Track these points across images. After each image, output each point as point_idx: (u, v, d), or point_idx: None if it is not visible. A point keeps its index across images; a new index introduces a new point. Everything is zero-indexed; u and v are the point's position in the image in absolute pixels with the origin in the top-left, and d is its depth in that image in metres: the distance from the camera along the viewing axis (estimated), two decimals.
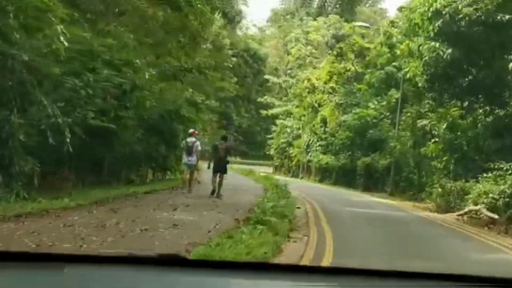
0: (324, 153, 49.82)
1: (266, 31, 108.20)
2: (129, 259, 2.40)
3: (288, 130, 60.07)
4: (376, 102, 41.30)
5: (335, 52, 52.92)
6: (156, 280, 2.20)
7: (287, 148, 61.42)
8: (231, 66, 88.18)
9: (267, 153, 71.67)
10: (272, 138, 67.38)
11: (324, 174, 49.22)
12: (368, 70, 44.83)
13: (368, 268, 2.35)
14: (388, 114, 39.22)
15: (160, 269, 2.28)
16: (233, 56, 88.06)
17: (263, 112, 69.14)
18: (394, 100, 37.22)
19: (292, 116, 61.61)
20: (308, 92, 57.09)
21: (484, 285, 2.30)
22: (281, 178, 37.35)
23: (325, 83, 52.57)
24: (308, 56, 64.23)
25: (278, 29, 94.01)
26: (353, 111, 41.68)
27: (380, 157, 37.12)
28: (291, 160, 61.05)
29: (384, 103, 40.07)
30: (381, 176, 36.45)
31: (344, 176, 43.43)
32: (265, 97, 67.16)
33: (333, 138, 46.85)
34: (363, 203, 24.91)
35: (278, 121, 63.38)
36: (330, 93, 50.34)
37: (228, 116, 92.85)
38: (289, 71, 70.80)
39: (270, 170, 71.37)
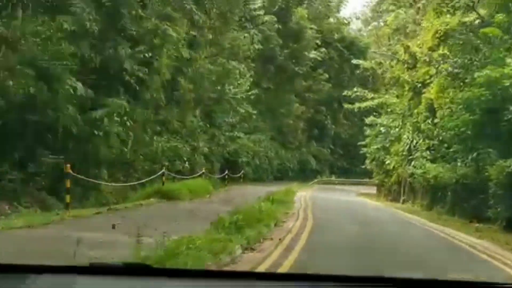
0: (433, 160, 29.93)
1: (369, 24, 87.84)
2: (92, 269, 2.44)
3: (383, 130, 40.37)
4: None
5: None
6: None
7: (383, 158, 41.66)
8: (320, 59, 69.77)
9: (368, 167, 52.37)
10: (365, 146, 47.96)
11: (435, 195, 29.31)
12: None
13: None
14: None
15: (124, 278, 2.36)
16: (322, 45, 69.66)
17: (348, 106, 50.18)
18: None
19: (389, 109, 41.84)
20: (408, 69, 37.27)
21: None
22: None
23: (431, 49, 32.66)
24: (410, 23, 44.11)
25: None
26: (477, 74, 21.70)
27: None
28: (390, 176, 41.23)
29: None
30: None
31: (467, 199, 23.61)
32: (355, 89, 47.70)
33: (445, 133, 26.79)
34: None
35: (368, 120, 43.96)
36: (439, 65, 30.20)
37: (321, 125, 73.94)
38: (385, 49, 50.99)
39: (373, 190, 52.54)
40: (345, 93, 48.88)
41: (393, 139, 39.08)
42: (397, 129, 38.07)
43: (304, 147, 70.40)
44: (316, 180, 65.36)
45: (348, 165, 77.56)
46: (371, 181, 57.22)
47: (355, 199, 40.64)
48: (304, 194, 36.56)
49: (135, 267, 2.49)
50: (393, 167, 38.78)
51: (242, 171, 45.07)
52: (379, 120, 41.74)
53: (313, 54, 67.99)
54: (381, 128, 39.85)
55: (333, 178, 70.58)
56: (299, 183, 58.41)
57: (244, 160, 45.75)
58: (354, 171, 77.91)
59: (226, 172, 39.31)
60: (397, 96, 40.98)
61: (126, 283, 2.32)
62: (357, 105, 45.51)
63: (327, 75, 70.98)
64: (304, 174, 68.94)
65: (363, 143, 49.23)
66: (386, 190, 46.45)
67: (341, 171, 75.03)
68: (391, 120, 39.57)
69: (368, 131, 47.01)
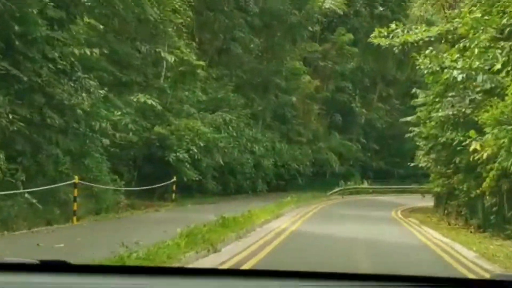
0: None
1: None
2: (8, 265, 2.40)
3: (458, 75, 18.21)
4: None
5: None
6: (39, 286, 2.26)
7: (457, 141, 19.78)
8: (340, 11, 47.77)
9: (421, 165, 30.69)
10: (416, 124, 26.62)
11: None
12: None
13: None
14: None
15: (42, 276, 2.33)
16: None
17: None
18: None
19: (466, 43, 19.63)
20: None
21: None
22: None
23: None
24: None
25: None
26: None
27: None
28: (475, 176, 19.22)
29: None
30: None
31: None
32: (393, 25, 25.79)
33: None
34: None
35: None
36: None
37: (346, 109, 51.82)
38: None
39: (426, 202, 35.21)
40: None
41: (487, 97, 17.27)
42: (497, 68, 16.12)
43: (321, 141, 48.43)
44: (338, 189, 43.28)
45: (387, 165, 55.30)
46: (423, 188, 35.25)
47: (398, 231, 18.96)
48: (279, 228, 15.55)
49: (51, 264, 2.43)
50: (486, 159, 16.83)
51: (173, 179, 23.72)
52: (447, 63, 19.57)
53: (329, 3, 46.24)
54: (455, 73, 17.73)
55: (365, 185, 48.38)
56: (312, 194, 37.29)
57: (183, 158, 24.29)
58: (397, 174, 55.68)
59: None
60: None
61: (40, 279, 2.29)
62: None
63: (351, 36, 48.93)
64: (322, 180, 47.19)
65: (409, 119, 28.37)
66: (453, 206, 25.52)
67: (376, 175, 52.86)
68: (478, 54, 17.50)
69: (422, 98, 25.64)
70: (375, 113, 55.43)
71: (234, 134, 31.05)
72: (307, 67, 45.73)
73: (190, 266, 9.19)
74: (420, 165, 30.79)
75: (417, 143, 30.92)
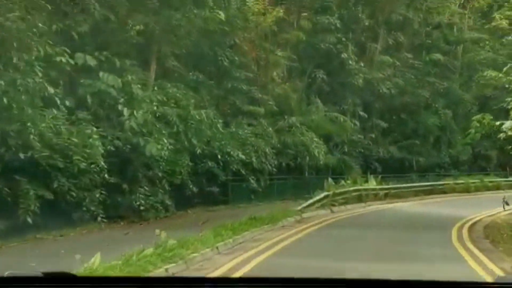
0: None
1: None
2: (12, 279, 2.43)
3: None
4: None
5: None
6: None
7: None
8: None
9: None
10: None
11: None
12: None
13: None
14: None
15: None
16: None
17: None
18: None
19: None
20: None
21: None
22: None
23: None
24: None
25: None
26: None
27: None
28: None
29: None
30: None
31: None
32: None
33: None
34: None
35: None
36: None
37: (334, 62, 31.85)
38: None
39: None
40: None
41: None
42: None
43: (293, 114, 28.88)
44: (322, 196, 23.21)
45: (401, 151, 35.71)
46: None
47: None
48: None
49: (56, 276, 2.47)
50: None
51: None
52: None
53: None
54: None
55: (371, 183, 28.53)
56: (270, 211, 17.32)
57: None
58: (416, 164, 36.19)
59: None
60: None
61: None
62: None
63: None
64: (298, 181, 27.87)
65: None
66: None
67: (386, 167, 33.26)
68: None
69: None
70: (379, 71, 35.67)
71: None
72: None
73: None
74: None
75: None
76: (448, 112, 38.56)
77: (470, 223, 19.77)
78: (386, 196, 27.81)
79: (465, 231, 17.50)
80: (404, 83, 37.16)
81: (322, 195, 22.19)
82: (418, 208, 24.71)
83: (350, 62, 32.98)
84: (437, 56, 38.46)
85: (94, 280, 2.78)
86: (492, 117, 18.77)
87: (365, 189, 26.81)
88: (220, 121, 22.30)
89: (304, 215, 19.47)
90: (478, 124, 18.63)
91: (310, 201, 21.27)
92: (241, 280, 3.37)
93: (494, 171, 41.11)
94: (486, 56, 41.77)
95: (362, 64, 34.04)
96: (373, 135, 35.57)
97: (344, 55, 32.54)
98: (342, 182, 26.43)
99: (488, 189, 34.38)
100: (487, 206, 24.32)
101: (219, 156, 21.84)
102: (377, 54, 36.50)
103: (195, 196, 21.38)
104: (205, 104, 22.77)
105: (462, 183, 33.23)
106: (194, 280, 2.94)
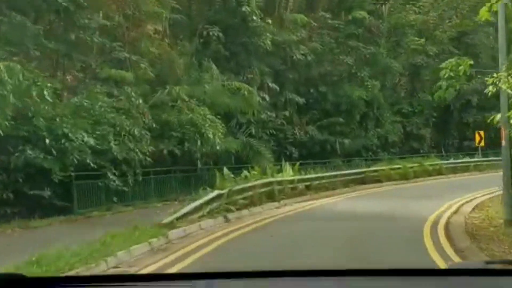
0: None
1: None
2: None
3: None
4: None
5: None
6: None
7: None
8: None
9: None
10: None
11: None
12: None
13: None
14: None
15: None
16: None
17: None
18: None
19: None
20: None
21: None
22: None
23: None
24: None
25: None
26: None
27: None
28: None
29: None
30: None
31: None
32: None
33: None
34: None
35: None
36: None
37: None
38: None
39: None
40: None
41: None
42: None
43: (175, 82, 21.03)
44: (206, 198, 15.16)
45: (329, 133, 28.95)
46: None
47: None
48: None
49: (4, 278, 2.31)
50: None
51: None
52: None
53: None
54: None
55: (288, 174, 21.11)
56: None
57: None
58: (340, 148, 29.60)
59: None
60: None
61: None
62: None
63: None
64: (186, 178, 20.26)
65: None
66: None
67: (307, 152, 26.23)
68: None
69: None
70: (291, 32, 28.37)
71: None
72: None
73: None
74: None
75: None
76: (376, 84, 31.87)
77: (440, 227, 12.88)
78: (308, 189, 20.55)
79: (447, 246, 10.54)
80: (322, 48, 30.13)
81: (211, 195, 14.59)
82: (355, 206, 17.57)
83: (254, 17, 25.49)
84: (362, 14, 31.57)
85: (45, 280, 2.48)
86: (472, 62, 11.86)
87: (279, 182, 19.40)
88: (49, 85, 14.31)
89: (175, 232, 11.76)
90: (451, 74, 11.62)
91: (191, 205, 13.63)
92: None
93: (428, 152, 35.04)
94: (415, 17, 35.61)
95: (269, 21, 26.64)
96: (287, 113, 28.31)
97: (246, 8, 25.00)
98: (245, 173, 18.94)
99: (429, 174, 27.97)
100: (440, 196, 18.08)
101: (47, 141, 13.88)
102: (288, 11, 29.21)
103: (8, 204, 13.35)
104: (30, 61, 14.68)
105: (399, 169, 26.56)
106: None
